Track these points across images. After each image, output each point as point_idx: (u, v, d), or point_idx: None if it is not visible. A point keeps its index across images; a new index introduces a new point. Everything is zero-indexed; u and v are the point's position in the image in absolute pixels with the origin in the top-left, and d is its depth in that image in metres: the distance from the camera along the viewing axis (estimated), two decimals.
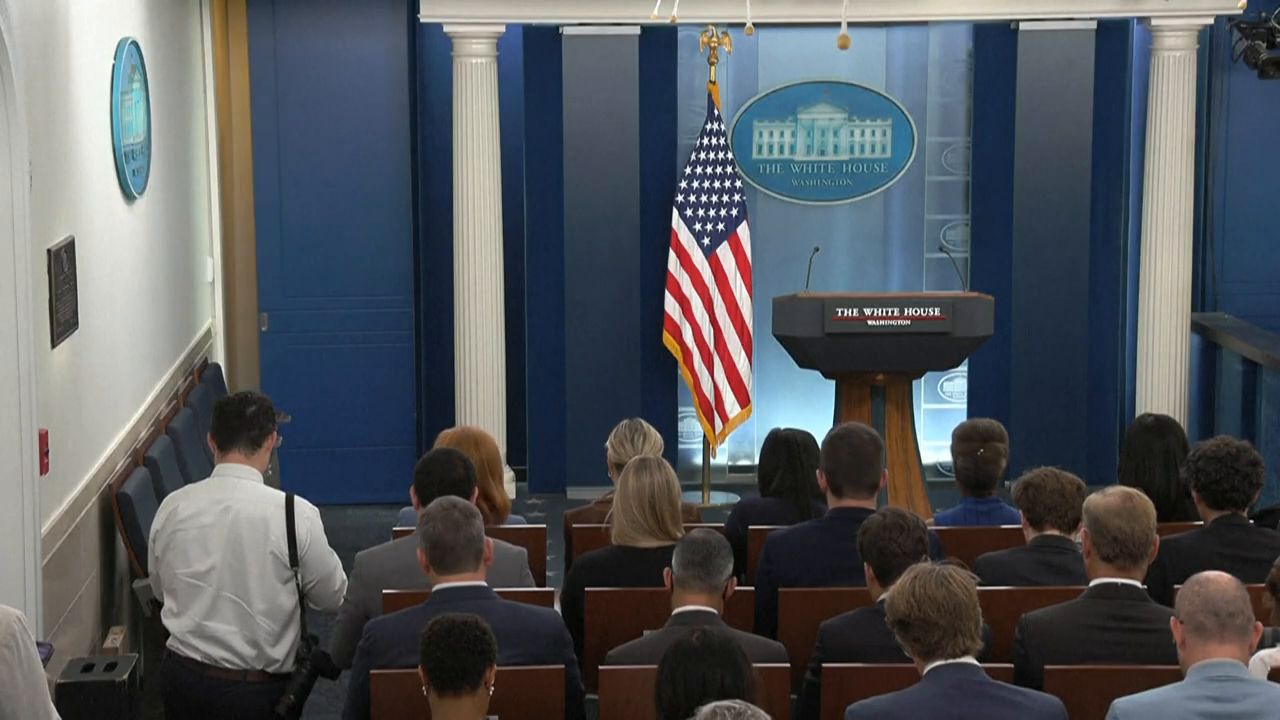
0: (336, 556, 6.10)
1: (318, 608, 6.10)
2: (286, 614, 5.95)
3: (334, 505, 10.65)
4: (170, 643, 5.96)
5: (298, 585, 5.96)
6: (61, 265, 6.69)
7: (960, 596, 4.54)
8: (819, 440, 6.85)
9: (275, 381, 10.88)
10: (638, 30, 10.60)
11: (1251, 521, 5.98)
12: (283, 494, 5.99)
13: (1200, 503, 6.00)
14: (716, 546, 5.26)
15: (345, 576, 6.07)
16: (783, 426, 6.93)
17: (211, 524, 5.90)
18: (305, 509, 5.98)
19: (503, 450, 10.34)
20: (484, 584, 5.30)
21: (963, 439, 6.62)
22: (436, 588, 5.26)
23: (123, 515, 7.42)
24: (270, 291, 11.01)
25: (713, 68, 10.47)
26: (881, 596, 5.15)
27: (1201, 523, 6.03)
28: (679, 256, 10.46)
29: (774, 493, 6.72)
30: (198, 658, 5.90)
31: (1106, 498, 5.29)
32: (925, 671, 4.57)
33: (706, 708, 3.93)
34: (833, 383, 9.56)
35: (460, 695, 4.62)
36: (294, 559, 5.91)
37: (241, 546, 5.88)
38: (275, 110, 10.85)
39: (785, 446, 6.73)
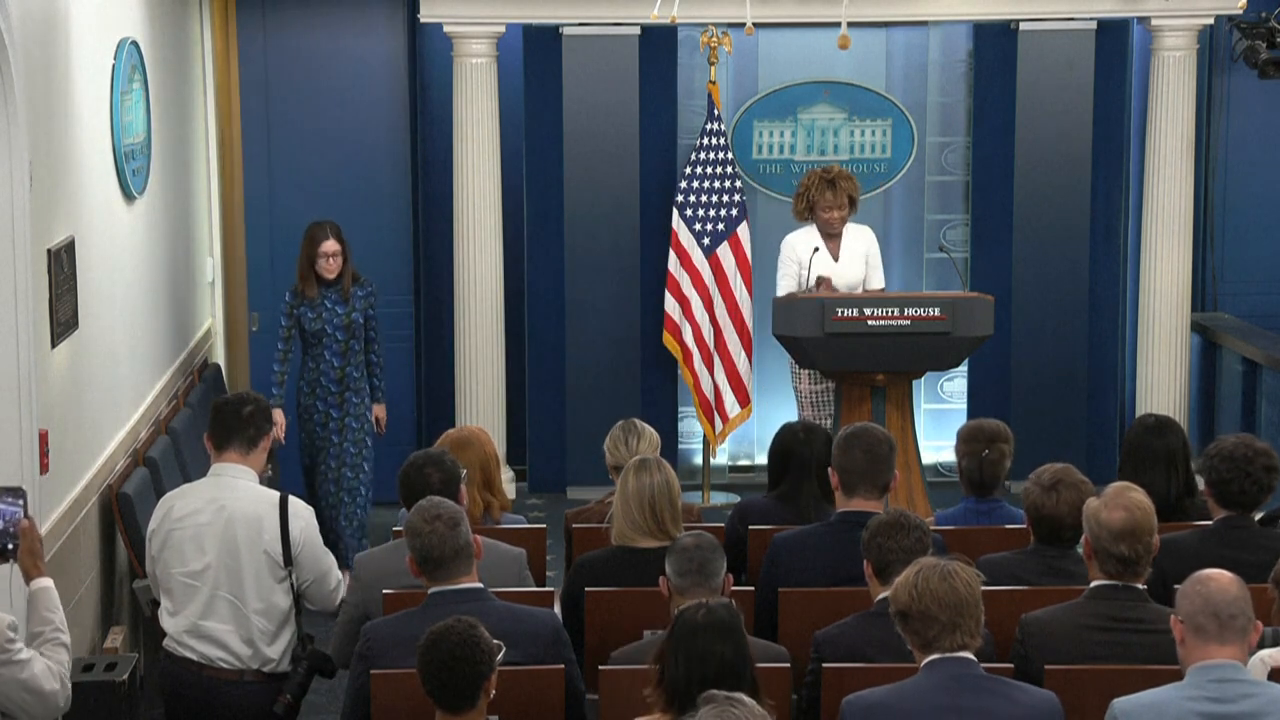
0: (332, 556, 6.11)
1: (313, 608, 6.10)
2: (282, 613, 5.95)
3: None
4: (167, 643, 5.96)
5: (292, 585, 5.96)
6: (61, 265, 6.69)
7: (962, 592, 4.55)
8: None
9: (266, 383, 10.82)
10: (638, 30, 10.59)
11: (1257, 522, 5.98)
12: (276, 494, 5.99)
13: (1210, 498, 6.01)
14: (709, 549, 5.23)
15: (340, 577, 6.09)
16: (795, 422, 6.91)
17: (207, 523, 5.90)
18: (299, 509, 5.98)
19: (502, 450, 10.33)
20: (479, 585, 5.30)
21: (968, 440, 6.58)
22: (432, 590, 5.27)
23: (123, 515, 7.42)
24: (260, 291, 10.95)
25: (713, 68, 10.46)
26: (880, 595, 5.16)
27: (1202, 523, 6.04)
28: (679, 256, 10.46)
29: (780, 495, 6.68)
30: (194, 658, 5.90)
31: (1109, 511, 5.20)
32: (923, 664, 4.58)
33: (710, 707, 3.91)
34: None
35: (462, 713, 4.63)
36: (288, 559, 5.91)
37: (236, 546, 5.88)
38: (269, 110, 10.83)
39: (796, 449, 6.68)
